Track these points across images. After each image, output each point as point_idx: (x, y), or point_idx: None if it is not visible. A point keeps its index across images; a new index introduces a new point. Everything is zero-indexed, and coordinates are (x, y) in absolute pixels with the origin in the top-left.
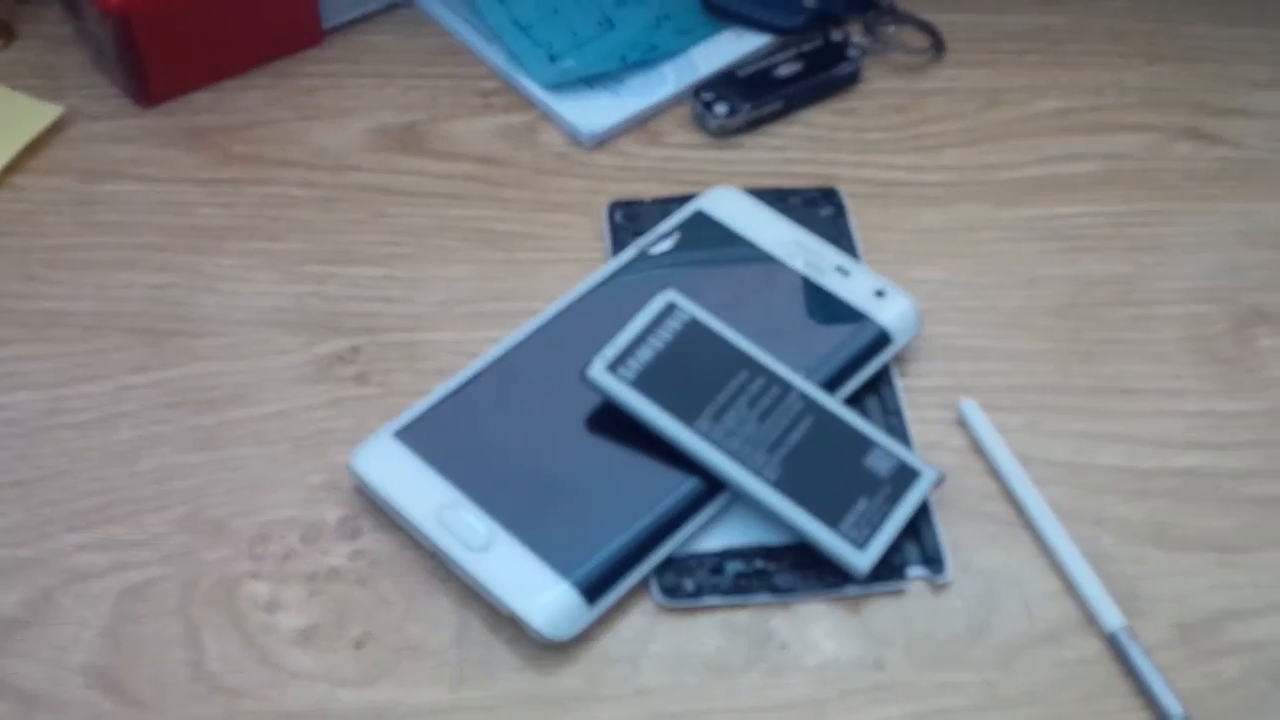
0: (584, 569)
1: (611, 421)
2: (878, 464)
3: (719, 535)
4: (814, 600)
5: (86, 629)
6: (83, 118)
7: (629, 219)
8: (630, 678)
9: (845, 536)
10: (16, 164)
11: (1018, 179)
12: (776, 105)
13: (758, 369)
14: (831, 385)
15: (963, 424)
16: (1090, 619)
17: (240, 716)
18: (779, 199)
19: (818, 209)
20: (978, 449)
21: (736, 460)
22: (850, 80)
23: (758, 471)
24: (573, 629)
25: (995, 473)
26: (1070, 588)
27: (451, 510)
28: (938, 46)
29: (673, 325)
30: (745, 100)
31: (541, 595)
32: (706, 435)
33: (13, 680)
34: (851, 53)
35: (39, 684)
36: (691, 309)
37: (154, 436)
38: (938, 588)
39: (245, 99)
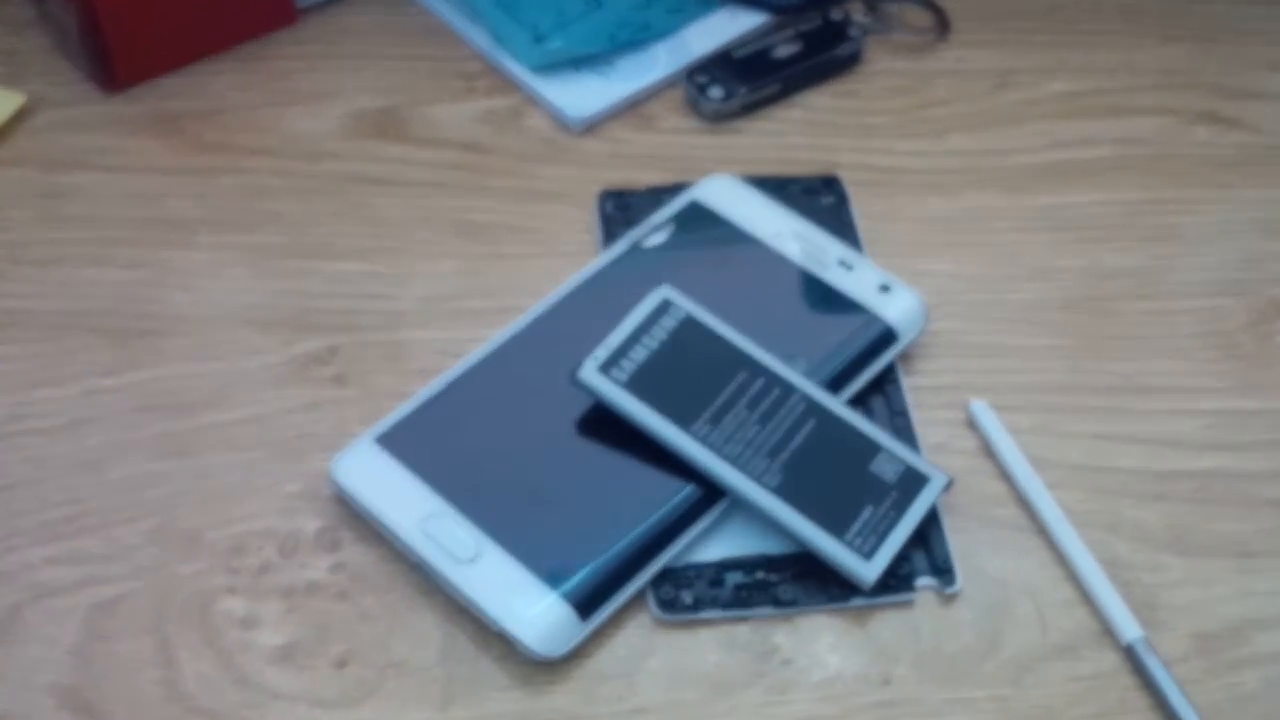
0: (576, 582)
1: (604, 425)
2: (884, 469)
3: (718, 545)
4: (818, 613)
5: (55, 647)
6: (46, 105)
7: (620, 209)
8: (626, 696)
9: (850, 546)
10: None
11: (1028, 165)
12: (774, 88)
13: (757, 369)
14: (835, 385)
15: (972, 425)
16: (1106, 630)
17: None
18: (778, 187)
19: (819, 198)
20: (988, 451)
21: (736, 466)
22: (851, 61)
23: (758, 478)
24: (565, 645)
25: (1006, 476)
26: (1085, 597)
27: (436, 520)
28: (943, 26)
29: (668, 323)
30: (741, 83)
31: (531, 610)
32: (704, 440)
33: None
34: (853, 32)
35: (6, 704)
36: (687, 306)
37: (123, 443)
38: (947, 598)
39: (216, 83)
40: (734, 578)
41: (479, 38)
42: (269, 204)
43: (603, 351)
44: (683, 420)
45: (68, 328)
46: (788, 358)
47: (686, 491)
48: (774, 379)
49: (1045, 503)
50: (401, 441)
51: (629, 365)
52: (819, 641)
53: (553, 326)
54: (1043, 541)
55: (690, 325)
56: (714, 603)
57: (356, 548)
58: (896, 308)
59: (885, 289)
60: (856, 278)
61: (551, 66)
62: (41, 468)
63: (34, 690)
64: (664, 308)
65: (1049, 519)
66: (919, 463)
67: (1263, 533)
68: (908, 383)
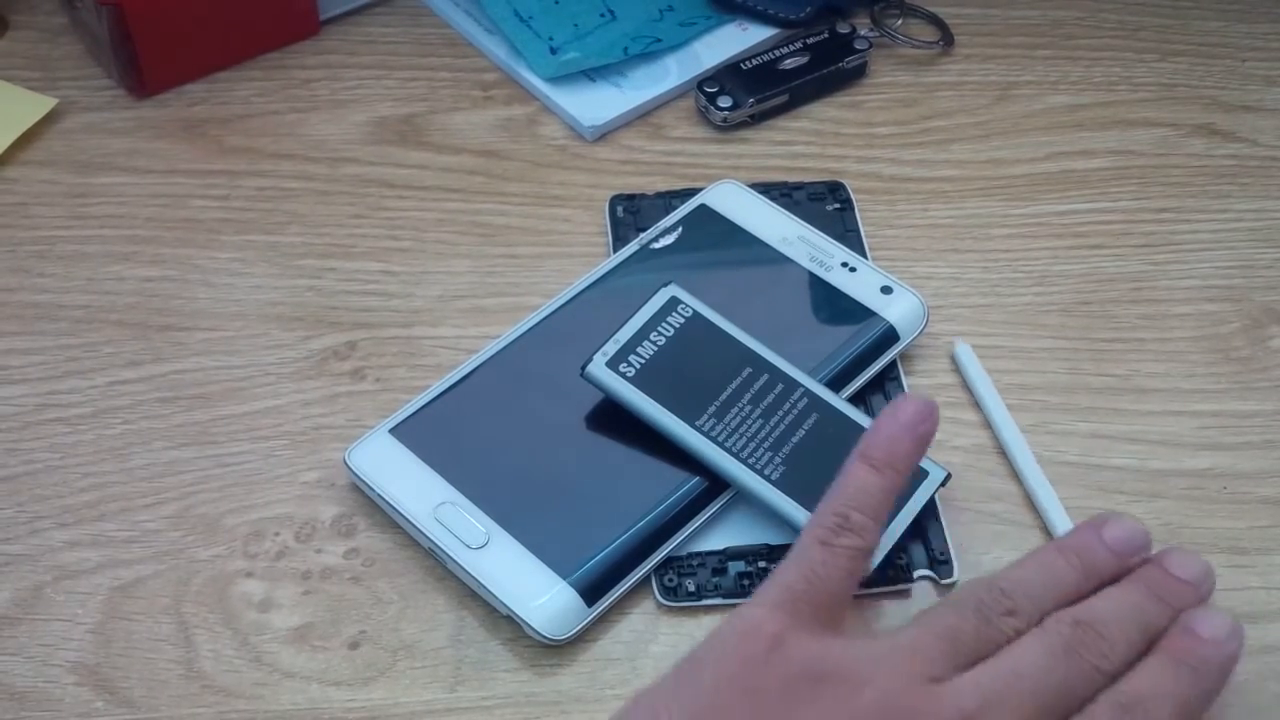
0: (583, 569)
1: (612, 418)
2: None
3: (721, 534)
4: None
5: (77, 626)
6: (76, 109)
7: (630, 213)
8: (630, 679)
9: None
10: (8, 156)
11: (1028, 174)
12: (782, 99)
13: (762, 365)
14: (837, 383)
15: (969, 421)
16: None
17: (232, 716)
18: (784, 193)
19: (824, 203)
20: (985, 448)
21: (739, 459)
22: (857, 73)
23: (761, 470)
24: (571, 629)
25: (984, 418)
26: None
27: (448, 508)
28: (947, 40)
29: (675, 320)
30: (750, 93)
31: (540, 595)
32: (709, 433)
33: (2, 678)
34: (859, 45)
35: (28, 681)
36: (694, 303)
37: (146, 432)
38: (944, 589)
39: (241, 90)
40: (736, 566)
41: (497, 49)
42: (290, 206)
43: (611, 347)
44: (688, 414)
45: (93, 321)
46: (791, 356)
47: (691, 483)
48: (777, 375)
49: (1017, 443)
50: (415, 432)
51: (636, 360)
52: None
53: (563, 324)
54: (1038, 535)
55: (696, 322)
56: (716, 590)
57: (371, 534)
58: (898, 308)
59: (887, 290)
60: (859, 279)
61: (566, 77)
62: (66, 454)
63: (55, 668)
64: (671, 305)
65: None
66: None
67: (1255, 529)
68: (909, 382)
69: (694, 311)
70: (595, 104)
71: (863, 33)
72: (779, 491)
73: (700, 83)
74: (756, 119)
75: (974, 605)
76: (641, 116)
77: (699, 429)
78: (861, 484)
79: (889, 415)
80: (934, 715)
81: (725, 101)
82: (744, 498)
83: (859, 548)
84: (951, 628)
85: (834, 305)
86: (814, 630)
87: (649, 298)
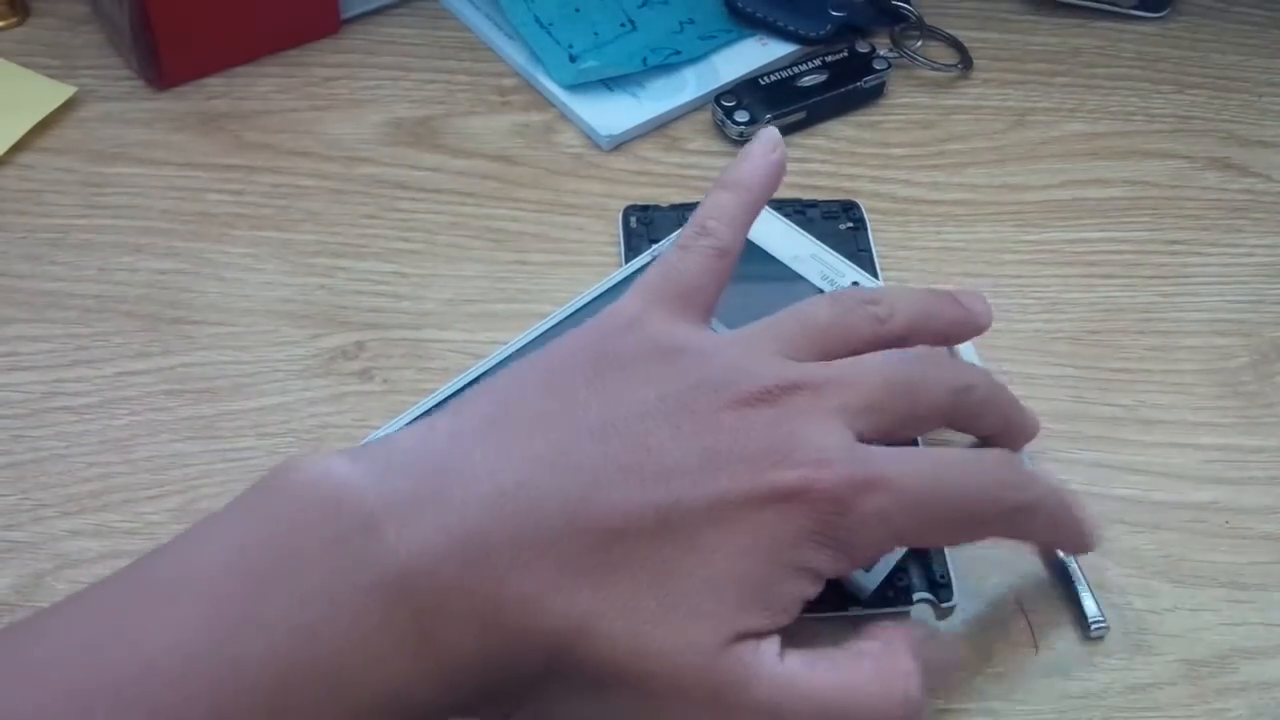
0: None
1: None
2: None
3: None
4: (815, 620)
5: None
6: (94, 99)
7: (644, 224)
8: None
9: None
10: (25, 142)
11: (1041, 201)
12: (799, 115)
13: None
14: None
15: None
16: (1095, 649)
17: None
18: (797, 210)
19: (837, 222)
20: None
21: None
22: (875, 94)
23: None
24: None
25: None
26: (1079, 615)
27: None
28: (966, 63)
29: None
30: (767, 109)
31: None
32: None
33: None
34: (878, 65)
35: None
36: None
37: (152, 424)
38: (943, 612)
39: (259, 86)
40: None
41: (516, 54)
42: (304, 203)
43: None
44: None
45: (104, 311)
46: None
47: None
48: None
49: None
50: None
51: None
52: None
53: None
54: (1038, 561)
55: None
56: None
57: None
58: None
59: None
60: None
61: (584, 85)
62: (72, 443)
63: None
64: None
65: None
66: None
67: (1255, 565)
68: None
69: None
70: (612, 113)
71: (882, 53)
72: None
73: (718, 96)
74: None
75: (834, 300)
76: (658, 128)
77: None
78: (714, 200)
79: (742, 151)
80: (775, 377)
81: (742, 116)
82: None
83: (715, 245)
84: (809, 315)
85: None
86: (673, 316)
87: None
